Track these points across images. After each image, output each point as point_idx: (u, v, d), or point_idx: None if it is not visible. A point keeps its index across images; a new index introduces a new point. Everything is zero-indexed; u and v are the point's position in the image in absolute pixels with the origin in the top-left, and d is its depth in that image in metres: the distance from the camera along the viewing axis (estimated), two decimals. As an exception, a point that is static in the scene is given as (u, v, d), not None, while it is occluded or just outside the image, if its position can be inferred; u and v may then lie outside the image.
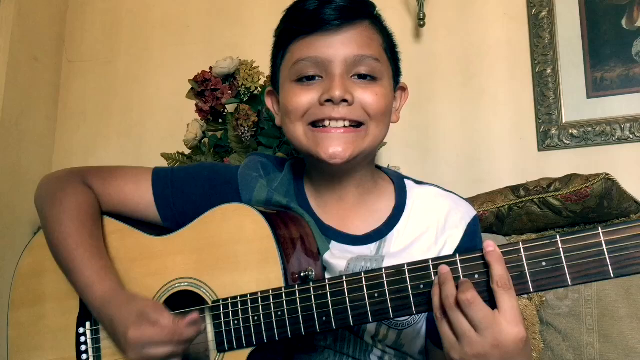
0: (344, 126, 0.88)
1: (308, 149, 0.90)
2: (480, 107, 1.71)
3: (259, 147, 1.50)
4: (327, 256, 0.91)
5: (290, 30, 0.92)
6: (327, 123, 0.88)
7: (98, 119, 2.10)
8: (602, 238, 0.67)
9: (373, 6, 0.95)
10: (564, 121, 1.62)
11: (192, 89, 1.60)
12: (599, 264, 0.67)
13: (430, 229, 0.93)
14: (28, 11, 2.00)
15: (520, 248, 0.70)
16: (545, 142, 1.62)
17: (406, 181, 1.00)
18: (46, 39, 2.10)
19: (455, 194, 1.01)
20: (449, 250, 0.92)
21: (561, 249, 0.68)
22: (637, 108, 1.56)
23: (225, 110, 1.58)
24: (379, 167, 1.04)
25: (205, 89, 1.56)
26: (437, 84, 1.75)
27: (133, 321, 0.81)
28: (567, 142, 1.61)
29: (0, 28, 1.92)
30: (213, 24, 2.02)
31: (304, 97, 0.89)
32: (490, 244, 0.71)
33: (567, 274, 0.68)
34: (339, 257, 0.91)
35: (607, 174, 1.29)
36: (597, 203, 1.30)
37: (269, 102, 1.02)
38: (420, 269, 0.75)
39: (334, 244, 0.93)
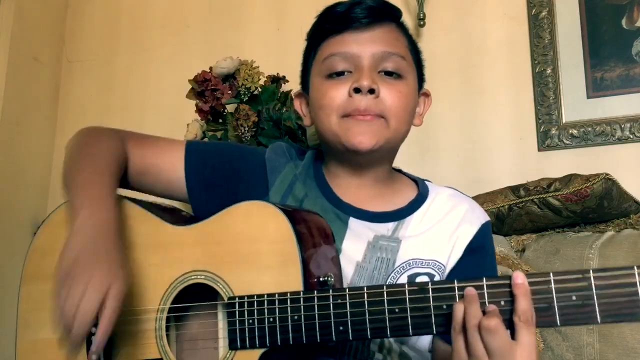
0: (370, 114, 0.92)
1: (339, 137, 0.93)
2: (480, 107, 1.71)
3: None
4: (345, 243, 0.93)
5: (322, 30, 0.98)
6: (355, 113, 0.92)
7: (98, 119, 2.09)
8: (638, 279, 0.65)
9: (399, 12, 1.00)
10: (564, 121, 1.62)
11: (192, 89, 1.60)
12: (632, 305, 0.65)
13: (446, 224, 0.96)
14: (28, 11, 2.00)
15: (550, 279, 0.68)
16: (545, 142, 1.62)
17: (426, 182, 1.05)
18: (46, 39, 2.10)
19: (472, 199, 1.03)
20: (461, 244, 0.94)
21: (593, 285, 0.66)
22: (637, 108, 1.56)
23: (225, 110, 1.58)
24: (398, 171, 1.07)
25: (205, 89, 1.56)
26: (437, 84, 1.74)
27: (104, 269, 0.77)
28: (567, 142, 1.61)
29: (0, 28, 1.92)
30: (213, 24, 2.02)
31: (337, 92, 0.93)
32: (520, 276, 0.69)
33: (597, 312, 0.66)
34: (357, 242, 0.93)
35: (607, 174, 1.29)
36: (597, 203, 1.30)
37: (297, 104, 1.06)
38: (444, 289, 0.73)
39: (352, 220, 0.95)
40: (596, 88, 1.61)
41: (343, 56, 0.94)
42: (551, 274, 0.68)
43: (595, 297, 0.66)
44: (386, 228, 0.95)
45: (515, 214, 1.39)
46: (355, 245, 0.93)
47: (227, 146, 1.07)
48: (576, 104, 1.62)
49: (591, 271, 0.66)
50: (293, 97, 1.06)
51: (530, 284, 0.69)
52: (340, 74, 0.94)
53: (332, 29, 0.96)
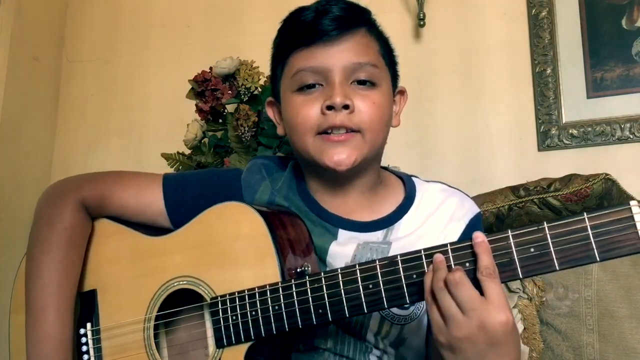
0: (345, 132, 0.90)
1: (314, 158, 0.92)
2: (480, 107, 1.71)
3: (259, 147, 1.50)
4: (333, 245, 0.92)
5: (289, 42, 0.94)
6: (330, 131, 0.90)
7: (98, 119, 2.09)
8: (587, 223, 0.69)
9: (368, 12, 0.96)
10: (564, 121, 1.62)
11: (192, 89, 1.60)
12: (585, 249, 0.69)
13: (435, 220, 0.96)
14: (28, 11, 2.00)
15: (509, 235, 0.73)
16: (545, 142, 1.62)
17: (414, 179, 1.03)
18: (46, 39, 2.10)
19: (462, 191, 1.02)
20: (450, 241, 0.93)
21: (548, 235, 0.71)
22: (637, 108, 1.56)
23: (225, 110, 1.58)
24: (385, 169, 1.05)
25: (205, 89, 1.56)
26: (437, 84, 1.75)
27: None
28: (567, 142, 1.61)
29: (0, 28, 1.92)
30: (213, 24, 2.02)
31: (309, 111, 0.91)
32: (479, 235, 0.73)
33: (555, 259, 0.70)
34: (346, 244, 0.92)
35: (607, 174, 1.29)
36: (597, 203, 1.30)
37: (270, 112, 1.04)
38: (413, 259, 0.76)
39: (341, 232, 0.94)
40: (596, 88, 1.60)
41: (313, 70, 0.91)
42: (509, 231, 0.73)
43: (551, 246, 0.71)
44: (376, 236, 0.94)
45: (515, 214, 1.39)
46: (343, 248, 0.93)
47: (203, 174, 1.06)
48: (576, 104, 1.62)
49: (545, 222, 0.71)
50: (265, 104, 1.04)
51: (491, 242, 0.73)
52: (311, 86, 0.91)
53: (299, 43, 0.92)
